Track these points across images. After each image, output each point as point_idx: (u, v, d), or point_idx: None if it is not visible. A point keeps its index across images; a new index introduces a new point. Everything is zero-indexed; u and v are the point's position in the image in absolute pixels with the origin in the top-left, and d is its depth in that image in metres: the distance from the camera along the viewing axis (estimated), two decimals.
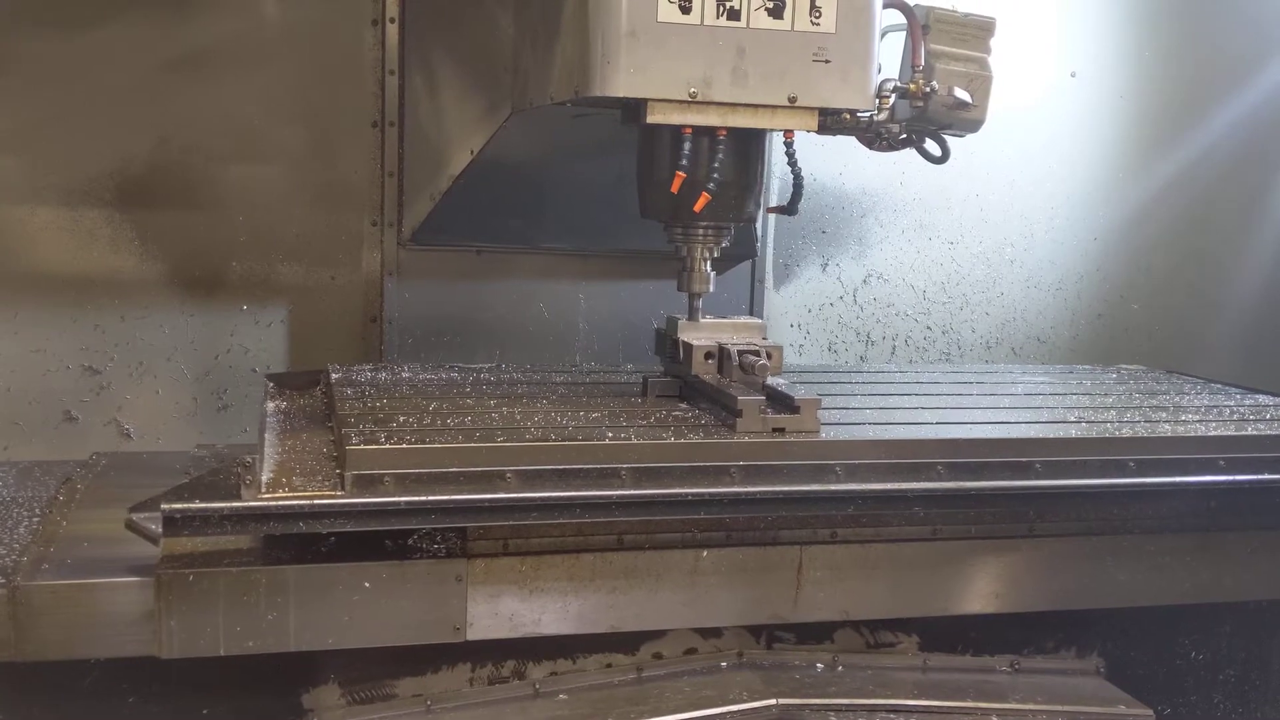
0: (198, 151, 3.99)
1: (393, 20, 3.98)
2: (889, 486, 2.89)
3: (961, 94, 3.23)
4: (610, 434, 2.88)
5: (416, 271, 4.18)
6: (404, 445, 2.74)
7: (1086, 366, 4.56)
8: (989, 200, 4.98)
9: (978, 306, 5.06)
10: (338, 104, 4.06)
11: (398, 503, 2.60)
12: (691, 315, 3.36)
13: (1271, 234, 5.34)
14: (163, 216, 4.00)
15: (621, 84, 2.88)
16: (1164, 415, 3.48)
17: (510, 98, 3.71)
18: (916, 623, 3.28)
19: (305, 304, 4.17)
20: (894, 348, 4.98)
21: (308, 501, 2.58)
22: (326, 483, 2.68)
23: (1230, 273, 5.34)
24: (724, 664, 3.15)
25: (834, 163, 4.73)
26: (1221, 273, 5.32)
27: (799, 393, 3.00)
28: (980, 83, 3.29)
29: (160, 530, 2.51)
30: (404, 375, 3.63)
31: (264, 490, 2.60)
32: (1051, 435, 3.13)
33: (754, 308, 4.59)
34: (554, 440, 2.82)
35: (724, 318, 3.39)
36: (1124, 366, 4.54)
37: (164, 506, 2.48)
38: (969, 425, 3.27)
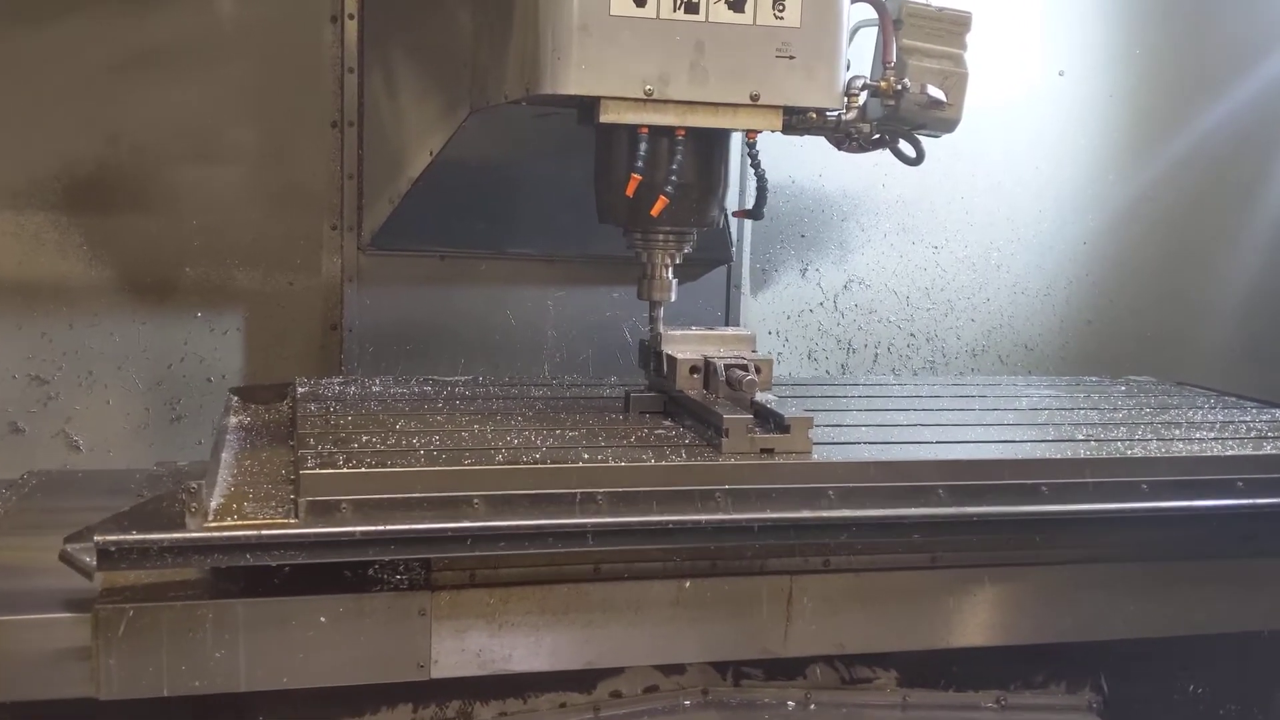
0: (149, 152, 3.88)
1: (351, 16, 3.88)
2: (886, 513, 2.71)
3: (935, 92, 3.12)
4: (587, 455, 2.71)
5: (377, 277, 4.08)
6: (363, 469, 2.55)
7: (1093, 378, 4.39)
8: (974, 203, 4.86)
9: (963, 313, 4.93)
10: (295, 103, 3.97)
11: (354, 533, 2.41)
12: (652, 325, 3.24)
13: (1264, 236, 5.22)
14: (113, 220, 3.90)
15: (573, 81, 2.77)
16: (1177, 432, 3.32)
17: (469, 96, 3.60)
18: (895, 656, 3.11)
19: (262, 311, 4.06)
20: (876, 355, 4.86)
21: (256, 532, 2.37)
22: (279, 510, 2.48)
23: (1223, 276, 5.23)
24: (688, 702, 2.97)
25: (813, 164, 4.58)
26: (1215, 277, 5.22)
27: (789, 410, 2.83)
28: (955, 80, 3.18)
29: (95, 563, 2.29)
30: (374, 390, 3.48)
31: (211, 518, 2.40)
32: (1058, 455, 2.96)
33: (730, 315, 4.48)
34: (525, 463, 2.63)
35: (711, 329, 3.27)
36: (1132, 378, 4.38)
37: (98, 538, 2.28)
38: (971, 444, 3.07)
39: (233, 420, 3.29)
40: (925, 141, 3.30)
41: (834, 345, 4.79)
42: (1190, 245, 5.17)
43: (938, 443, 3.04)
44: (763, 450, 2.79)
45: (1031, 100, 4.89)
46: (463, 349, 4.19)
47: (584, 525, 2.52)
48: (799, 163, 4.53)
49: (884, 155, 4.73)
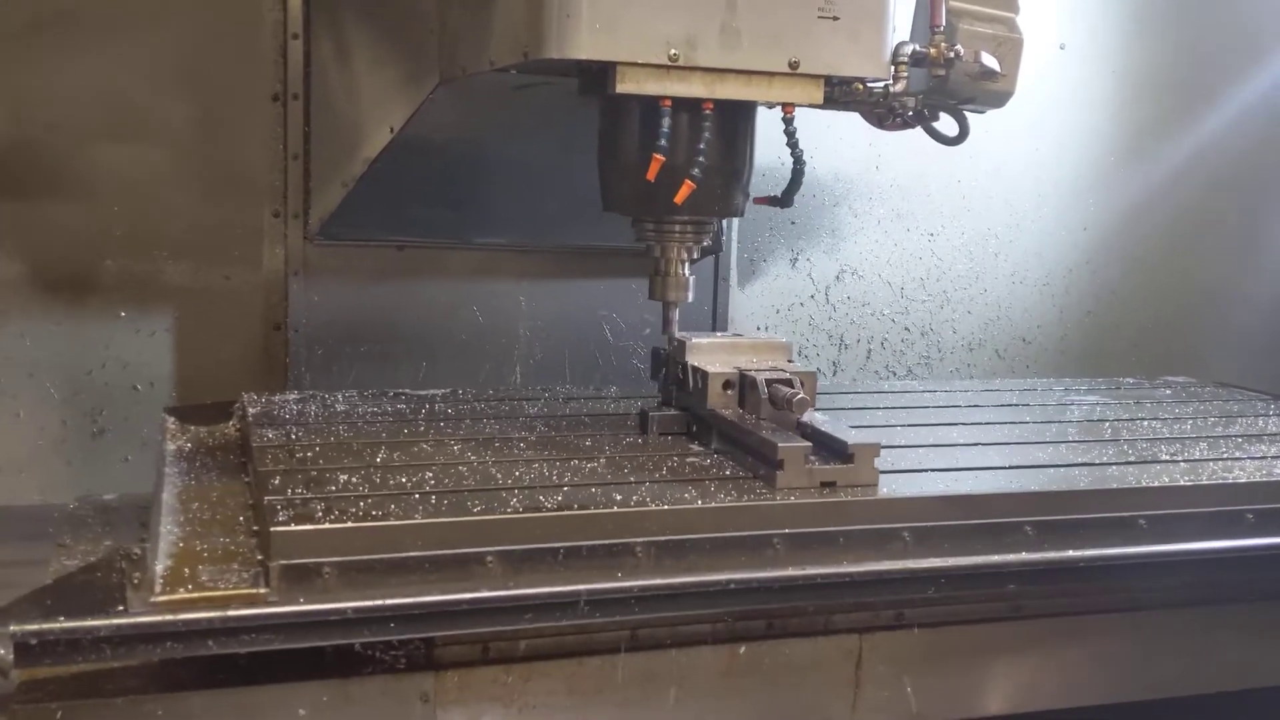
0: (63, 130, 3.61)
1: None
2: (981, 561, 2.35)
3: (989, 60, 2.88)
4: (619, 495, 2.33)
5: (327, 270, 3.84)
6: (348, 523, 2.10)
7: (1130, 380, 4.20)
8: (971, 186, 4.71)
9: (959, 304, 4.78)
10: (231, 73, 3.72)
11: (343, 610, 1.95)
12: (666, 328, 3.01)
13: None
14: (21, 207, 3.62)
15: (585, 44, 2.48)
16: (1263, 448, 3.02)
17: (437, 65, 3.28)
18: None
19: (194, 309, 3.80)
20: (869, 351, 4.69)
21: (219, 612, 1.90)
22: (245, 575, 2.02)
23: (1233, 265, 5.10)
24: None
25: (803, 144, 4.26)
26: (1224, 265, 5.09)
27: (851, 435, 2.48)
28: (1010, 47, 2.97)
29: (10, 658, 1.81)
30: (339, 408, 3.12)
31: (159, 591, 1.91)
32: (1154, 483, 2.66)
33: (717, 309, 4.29)
34: (548, 509, 2.23)
35: (740, 335, 3.01)
36: (1170, 379, 4.20)
37: (14, 628, 1.79)
38: (1049, 470, 2.76)
39: (171, 448, 2.83)
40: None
41: (825, 340, 4.63)
42: (1198, 231, 5.05)
43: (1010, 467, 2.74)
44: (823, 484, 2.46)
45: (1031, 76, 4.58)
46: (424, 351, 3.96)
47: (627, 590, 2.12)
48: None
49: (878, 135, 4.48)
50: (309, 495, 2.25)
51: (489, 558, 2.13)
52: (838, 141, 4.35)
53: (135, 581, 1.89)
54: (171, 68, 3.65)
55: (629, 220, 2.98)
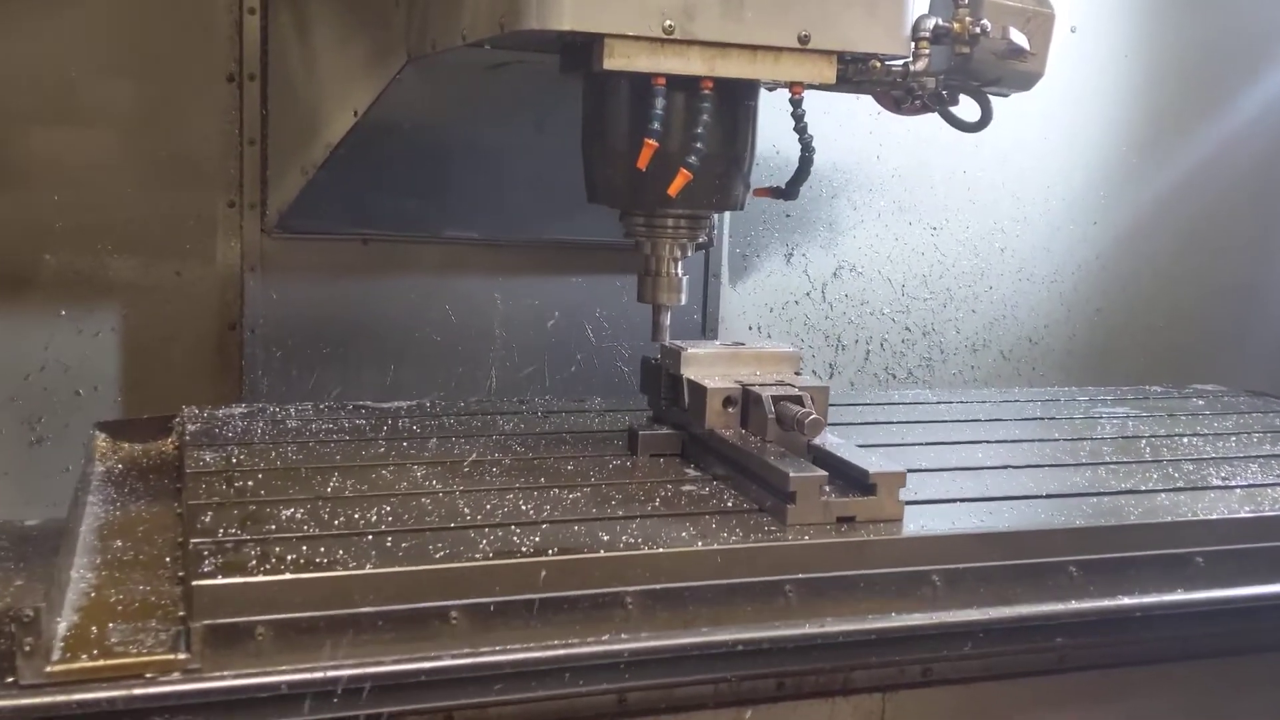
0: None
1: None
2: (1021, 612, 2.11)
3: (1018, 37, 2.71)
4: (604, 534, 2.06)
5: (286, 265, 3.74)
6: (286, 574, 1.82)
7: (1158, 388, 4.06)
8: (977, 177, 4.57)
9: (963, 303, 4.63)
10: (181, 51, 3.59)
11: (278, 683, 1.67)
12: (657, 334, 2.86)
13: None
14: None
15: (568, 13, 2.33)
16: None
17: (405, 41, 3.18)
18: None
19: (142, 308, 3.67)
20: (868, 352, 4.54)
21: (124, 692, 1.61)
22: (164, 636, 1.74)
23: (1249, 265, 4.99)
24: None
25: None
26: (1239, 265, 4.97)
27: (872, 462, 2.24)
28: (1040, 22, 2.80)
29: None
30: (290, 424, 2.88)
31: (56, 660, 1.63)
32: (1212, 515, 2.42)
33: (708, 308, 4.17)
34: (522, 553, 1.96)
35: (740, 344, 2.76)
36: (1199, 387, 4.05)
37: None
38: (1089, 498, 2.51)
39: (98, 470, 2.57)
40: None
41: (822, 341, 4.47)
42: (1212, 227, 4.93)
43: (1048, 496, 2.50)
44: (840, 520, 2.21)
45: None
46: (391, 353, 3.84)
47: (616, 655, 1.87)
48: (783, 129, 4.07)
49: (878, 123, 4.26)
50: (243, 536, 1.99)
51: (453, 613, 1.89)
52: (836, 128, 4.22)
53: (27, 649, 1.59)
54: (115, 44, 3.54)
55: (615, 213, 2.84)
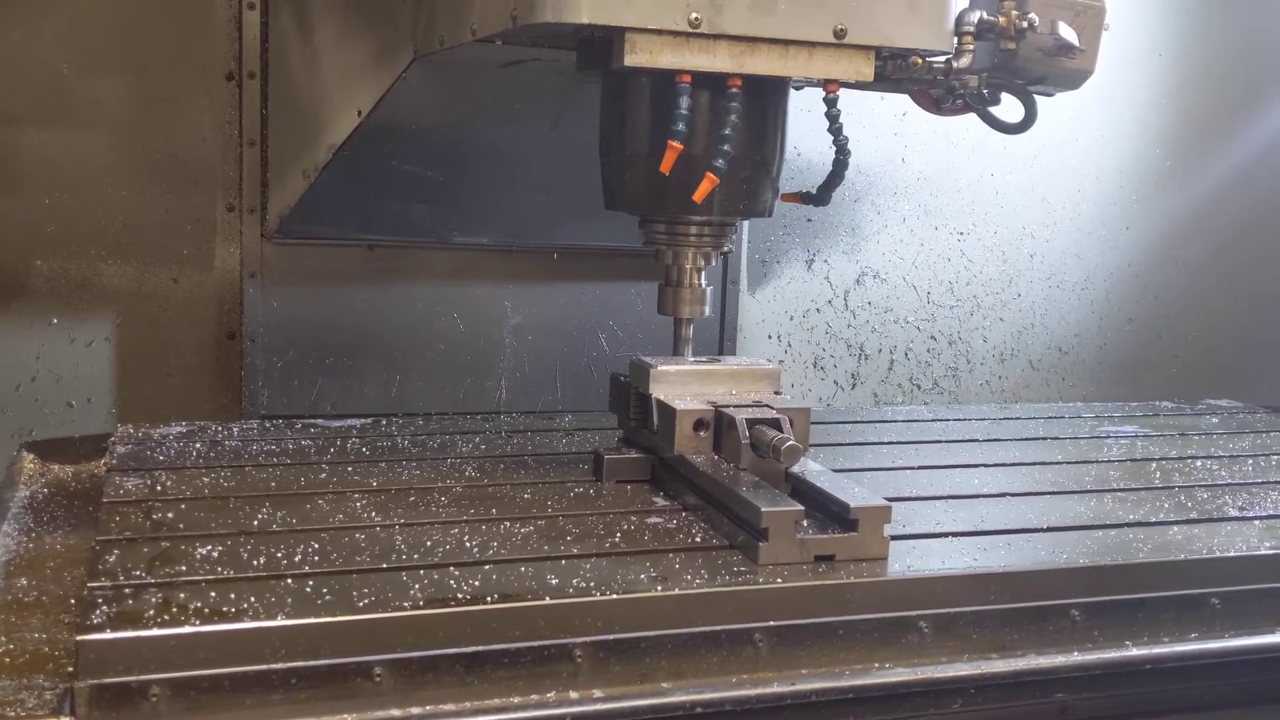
0: None
1: None
2: (1018, 667, 1.97)
3: (1067, 33, 2.63)
4: (553, 578, 1.95)
5: (287, 272, 3.73)
6: (185, 627, 1.69)
7: (1169, 404, 3.98)
8: (1005, 180, 4.50)
9: (990, 310, 4.56)
10: (178, 48, 3.58)
11: None
12: (678, 349, 2.73)
13: None
14: None
15: (586, 4, 2.26)
16: None
17: (411, 38, 3.09)
18: None
19: (137, 316, 3.67)
20: (891, 362, 4.47)
21: None
22: (49, 695, 1.60)
23: None
24: None
25: (819, 132, 4.05)
26: (1276, 273, 4.91)
27: (855, 495, 2.12)
28: (1090, 17, 2.72)
29: None
30: (229, 444, 2.75)
31: None
32: (1230, 553, 2.27)
33: (726, 317, 4.11)
34: (457, 600, 1.85)
35: (716, 359, 2.69)
36: (1212, 402, 3.97)
37: None
38: (1093, 531, 2.37)
39: (20, 495, 2.42)
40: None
41: (844, 351, 4.41)
42: (1249, 233, 4.86)
43: (1048, 529, 2.37)
44: (818, 559, 2.10)
45: None
46: (397, 364, 3.82)
47: (562, 717, 1.75)
48: (804, 131, 4.04)
49: (904, 124, 4.21)
50: (146, 580, 1.85)
51: (377, 669, 1.76)
52: (860, 130, 4.15)
53: None
54: (108, 40, 3.53)
55: (631, 217, 2.76)
